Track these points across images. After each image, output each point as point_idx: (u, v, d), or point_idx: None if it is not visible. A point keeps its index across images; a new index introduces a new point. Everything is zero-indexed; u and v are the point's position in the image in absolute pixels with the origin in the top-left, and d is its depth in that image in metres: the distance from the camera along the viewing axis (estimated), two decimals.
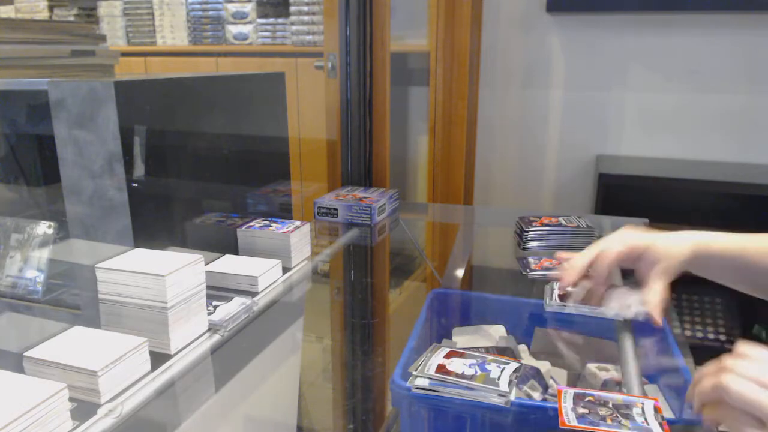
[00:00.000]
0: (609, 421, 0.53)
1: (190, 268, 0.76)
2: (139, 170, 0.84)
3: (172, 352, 0.75)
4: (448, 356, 0.73)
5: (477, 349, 0.81)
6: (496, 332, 0.92)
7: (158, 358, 0.73)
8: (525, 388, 0.71)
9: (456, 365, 0.71)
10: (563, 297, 0.88)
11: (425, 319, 0.89)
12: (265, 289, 0.95)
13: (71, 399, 0.60)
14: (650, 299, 0.71)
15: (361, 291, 1.37)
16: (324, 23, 1.65)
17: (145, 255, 0.78)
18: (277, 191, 1.25)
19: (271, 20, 2.55)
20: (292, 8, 2.48)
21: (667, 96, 2.08)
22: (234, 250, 1.07)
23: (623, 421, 0.54)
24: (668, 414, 0.68)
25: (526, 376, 0.72)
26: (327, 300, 1.32)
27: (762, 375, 0.37)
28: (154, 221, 0.89)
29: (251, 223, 1.08)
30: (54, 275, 0.87)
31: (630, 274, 0.83)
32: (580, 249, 1.15)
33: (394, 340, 1.25)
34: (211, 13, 2.60)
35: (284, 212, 1.26)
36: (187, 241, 0.97)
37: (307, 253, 1.10)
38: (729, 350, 0.46)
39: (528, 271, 1.06)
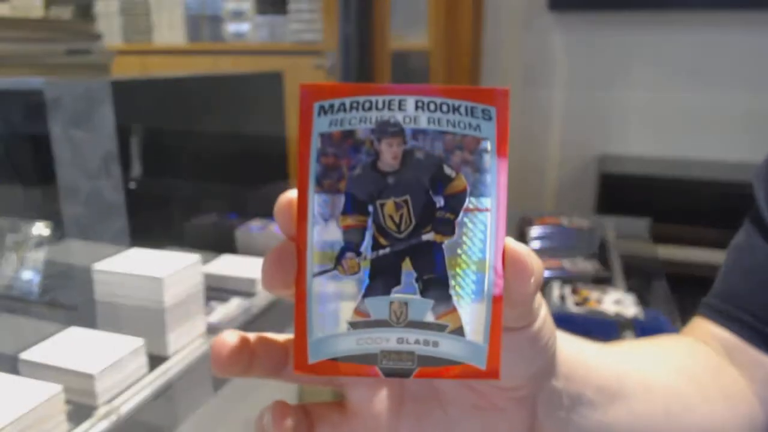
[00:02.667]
0: None
1: (187, 270, 0.75)
2: (136, 170, 0.84)
3: (170, 354, 0.74)
4: None
5: None
6: None
7: (156, 360, 0.72)
8: None
9: None
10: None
11: None
12: (264, 289, 0.94)
13: (67, 401, 0.59)
14: None
15: None
16: (323, 21, 1.64)
17: (142, 255, 0.78)
18: (275, 191, 1.25)
19: (270, 18, 2.54)
20: (291, 6, 2.47)
21: (669, 95, 2.07)
22: (232, 250, 1.06)
23: None
24: None
25: None
26: None
27: None
28: (151, 221, 0.88)
29: (250, 224, 1.07)
30: (50, 276, 0.86)
31: (633, 276, 0.82)
32: (582, 249, 1.15)
33: None
34: (208, 11, 2.59)
35: None
36: (185, 241, 0.97)
37: None
38: None
39: None
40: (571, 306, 0.85)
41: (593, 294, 0.90)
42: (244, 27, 2.57)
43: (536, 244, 1.17)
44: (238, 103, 1.12)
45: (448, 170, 0.21)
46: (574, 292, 0.90)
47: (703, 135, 2.06)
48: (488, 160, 0.21)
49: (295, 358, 0.21)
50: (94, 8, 2.71)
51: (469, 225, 0.21)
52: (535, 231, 1.18)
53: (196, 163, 1.00)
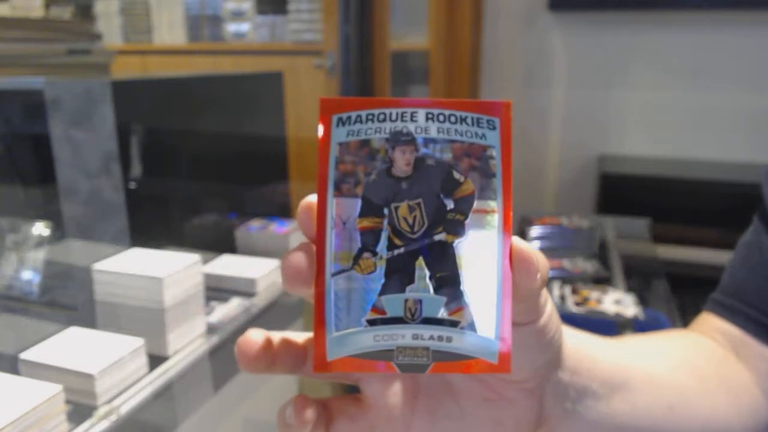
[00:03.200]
0: None
1: (187, 270, 0.75)
2: (136, 170, 0.84)
3: (170, 354, 0.74)
4: None
5: None
6: None
7: (156, 360, 0.72)
8: None
9: None
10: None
11: None
12: (264, 290, 0.94)
13: (67, 401, 0.59)
14: None
15: None
16: (323, 21, 1.64)
17: (142, 255, 0.78)
18: (275, 191, 1.25)
19: (270, 18, 2.54)
20: (291, 6, 2.47)
21: (669, 95, 2.07)
22: (232, 250, 1.06)
23: None
24: None
25: None
26: None
27: None
28: (151, 221, 0.88)
29: (249, 224, 1.07)
30: (50, 276, 0.86)
31: (633, 276, 0.82)
32: (582, 249, 1.15)
33: None
34: (208, 11, 2.59)
35: (283, 212, 1.25)
36: (185, 241, 0.97)
37: None
38: None
39: None
40: (571, 306, 0.85)
41: (593, 294, 0.90)
42: (244, 27, 2.56)
43: (536, 244, 1.17)
44: (238, 103, 1.11)
45: (457, 175, 0.23)
46: (574, 292, 0.90)
47: (703, 135, 2.06)
48: (494, 165, 0.23)
49: (314, 355, 0.22)
50: (94, 8, 2.71)
51: (478, 225, 0.22)
52: (535, 231, 1.18)
53: (196, 163, 1.00)
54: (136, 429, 0.65)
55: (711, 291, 0.46)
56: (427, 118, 0.23)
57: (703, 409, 0.38)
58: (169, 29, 2.65)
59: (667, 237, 1.62)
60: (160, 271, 0.72)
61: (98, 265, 0.74)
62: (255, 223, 1.08)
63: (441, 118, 0.23)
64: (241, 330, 0.91)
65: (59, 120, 0.82)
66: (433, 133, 0.23)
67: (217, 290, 0.91)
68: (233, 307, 0.85)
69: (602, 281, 1.00)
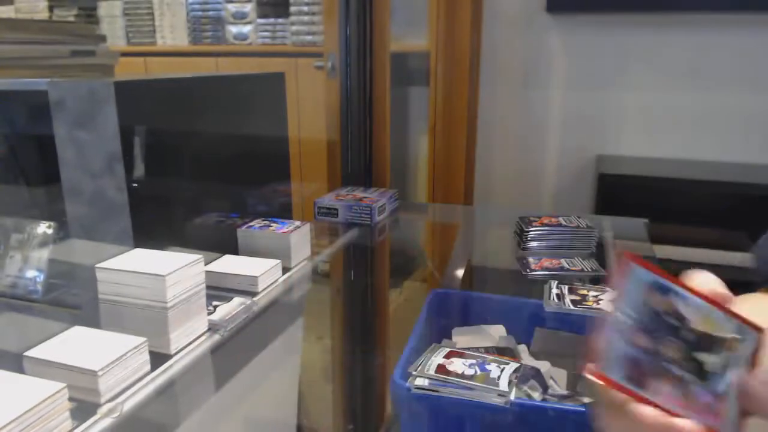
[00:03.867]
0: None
1: (189, 268, 0.76)
2: (139, 170, 0.84)
3: (172, 352, 0.75)
4: (448, 356, 0.73)
5: (477, 349, 0.81)
6: (496, 332, 0.92)
7: (158, 358, 0.73)
8: (525, 388, 0.71)
9: (456, 365, 0.71)
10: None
11: (425, 319, 0.89)
12: (265, 289, 0.95)
13: (71, 399, 0.60)
14: None
15: (361, 291, 1.37)
16: (324, 23, 1.65)
17: (144, 255, 0.78)
18: (277, 191, 1.25)
19: (271, 20, 2.56)
20: (292, 8, 2.49)
21: (667, 96, 2.08)
22: (234, 250, 1.07)
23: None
24: None
25: (525, 376, 0.72)
26: (327, 300, 1.32)
27: None
28: (154, 221, 0.89)
29: (251, 224, 1.08)
30: (54, 275, 0.87)
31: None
32: (580, 249, 1.15)
33: (394, 340, 1.25)
34: (211, 13, 2.61)
35: (284, 212, 1.26)
36: (187, 241, 0.97)
37: (307, 253, 1.10)
38: None
39: (528, 271, 1.07)
40: (569, 304, 0.86)
41: (591, 293, 0.90)
42: (246, 29, 2.58)
43: (535, 244, 1.18)
44: (240, 104, 1.12)
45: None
46: (572, 290, 0.91)
47: (701, 136, 2.07)
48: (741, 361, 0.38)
49: None
50: (97, 10, 2.72)
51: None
52: (534, 230, 1.19)
53: (198, 163, 1.01)
54: (138, 426, 0.66)
55: None
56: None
57: None
58: (172, 31, 2.66)
59: (664, 237, 1.62)
60: (162, 269, 0.73)
61: (101, 264, 0.75)
62: (256, 223, 1.09)
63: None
64: (243, 329, 0.92)
65: (63, 121, 0.83)
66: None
67: (218, 289, 0.91)
68: (235, 306, 0.86)
69: (600, 280, 1.01)
